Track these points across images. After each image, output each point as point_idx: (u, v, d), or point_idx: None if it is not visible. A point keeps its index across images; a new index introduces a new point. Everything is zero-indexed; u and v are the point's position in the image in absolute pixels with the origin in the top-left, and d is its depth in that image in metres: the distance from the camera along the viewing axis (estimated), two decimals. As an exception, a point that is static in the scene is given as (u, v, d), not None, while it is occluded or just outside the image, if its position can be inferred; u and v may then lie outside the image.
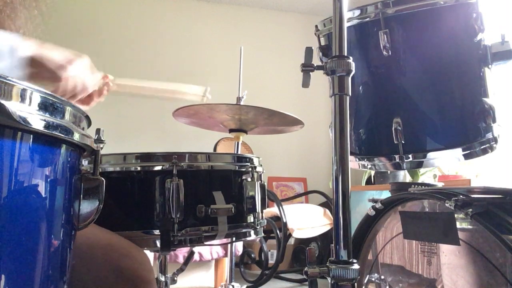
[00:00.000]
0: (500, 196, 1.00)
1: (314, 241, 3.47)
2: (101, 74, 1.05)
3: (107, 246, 0.83)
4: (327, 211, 3.31)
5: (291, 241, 3.40)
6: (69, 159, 0.54)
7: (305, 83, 0.81)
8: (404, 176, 3.01)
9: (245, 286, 2.83)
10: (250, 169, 1.05)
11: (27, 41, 0.86)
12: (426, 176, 2.93)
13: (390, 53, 1.13)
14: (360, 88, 1.24)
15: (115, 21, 3.87)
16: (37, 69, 0.87)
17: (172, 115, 1.40)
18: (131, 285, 0.81)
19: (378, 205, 1.21)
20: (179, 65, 3.85)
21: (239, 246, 2.65)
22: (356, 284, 0.72)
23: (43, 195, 0.49)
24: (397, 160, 1.17)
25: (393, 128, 1.13)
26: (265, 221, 1.13)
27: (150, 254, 1.87)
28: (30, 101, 0.45)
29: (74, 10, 3.75)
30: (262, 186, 1.09)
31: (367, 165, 1.27)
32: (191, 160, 0.96)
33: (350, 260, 0.72)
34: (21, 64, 0.83)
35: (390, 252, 1.24)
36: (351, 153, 1.24)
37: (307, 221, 3.10)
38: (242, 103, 1.69)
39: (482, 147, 1.13)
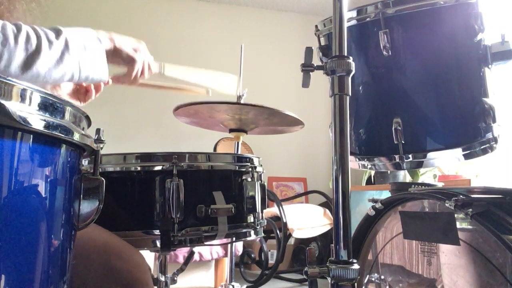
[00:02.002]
0: (500, 196, 1.00)
1: (314, 241, 3.47)
2: (152, 57, 1.12)
3: (103, 247, 0.82)
4: (327, 211, 3.31)
5: (291, 241, 3.40)
6: (69, 159, 0.54)
7: (305, 83, 0.81)
8: (404, 176, 3.01)
9: (245, 286, 2.83)
10: (250, 169, 1.05)
11: (99, 32, 0.94)
12: (426, 176, 2.93)
13: (390, 53, 1.13)
14: (360, 88, 1.24)
15: (115, 20, 3.87)
16: (114, 57, 0.98)
17: (173, 113, 1.40)
18: (126, 287, 0.80)
19: (378, 205, 1.21)
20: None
21: (239, 246, 2.66)
22: (356, 284, 0.72)
23: (43, 195, 0.49)
24: (397, 160, 1.17)
25: (393, 128, 1.13)
26: (265, 221, 1.13)
27: (150, 254, 1.87)
28: (30, 101, 0.45)
29: (74, 8, 3.75)
30: (262, 186, 1.09)
31: (367, 165, 1.27)
32: (191, 160, 0.96)
33: (350, 260, 0.72)
34: (104, 56, 0.91)
35: (390, 252, 1.24)
36: (351, 153, 1.24)
37: (307, 221, 3.10)
38: (242, 101, 1.69)
39: (482, 147, 1.13)
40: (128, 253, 0.85)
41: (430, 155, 1.15)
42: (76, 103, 1.14)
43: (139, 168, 0.95)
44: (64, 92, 1.12)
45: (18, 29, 0.77)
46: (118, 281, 0.80)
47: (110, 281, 0.79)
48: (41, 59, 0.79)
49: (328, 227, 3.16)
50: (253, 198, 1.03)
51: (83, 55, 0.86)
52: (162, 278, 1.22)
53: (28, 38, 0.77)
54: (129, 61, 1.01)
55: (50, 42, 0.81)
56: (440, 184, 1.69)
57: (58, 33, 0.83)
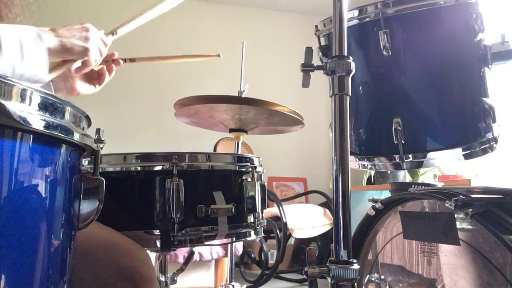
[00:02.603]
0: (500, 196, 1.00)
1: (314, 241, 3.47)
2: (103, 31, 1.07)
3: (108, 244, 0.83)
4: (327, 211, 3.31)
5: (291, 241, 3.40)
6: (69, 159, 0.54)
7: (305, 83, 0.81)
8: (404, 176, 3.01)
9: (245, 286, 2.83)
10: (250, 169, 1.05)
11: (42, 29, 0.88)
12: (426, 176, 2.93)
13: (390, 53, 1.13)
14: (360, 88, 1.24)
15: (114, 20, 3.87)
16: (63, 54, 0.92)
17: (173, 115, 1.40)
18: (131, 283, 0.81)
19: (378, 205, 1.21)
20: (179, 65, 3.85)
21: (239, 246, 2.65)
22: (356, 284, 0.72)
23: (43, 195, 0.49)
24: (397, 160, 1.17)
25: (393, 128, 1.13)
26: (265, 221, 1.13)
27: (150, 254, 1.87)
28: (30, 101, 0.45)
29: (72, 4, 3.75)
30: (262, 186, 1.09)
31: (367, 165, 1.27)
32: (191, 160, 0.96)
33: (350, 260, 0.72)
34: (46, 56, 0.86)
35: (390, 252, 1.24)
36: (351, 153, 1.24)
37: (307, 221, 3.10)
38: (242, 98, 1.69)
39: (482, 147, 1.13)
40: (134, 249, 0.85)
41: (430, 155, 1.15)
42: (91, 88, 1.13)
43: (139, 168, 0.95)
44: (76, 78, 1.11)
45: None
46: (124, 278, 0.80)
47: (116, 277, 0.80)
48: None
49: (328, 227, 3.16)
50: (253, 198, 1.03)
51: (19, 53, 0.80)
52: (162, 278, 1.22)
53: None
54: (83, 53, 0.95)
55: None
56: (440, 184, 1.69)
57: None
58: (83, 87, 1.11)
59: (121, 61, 1.17)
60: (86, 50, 0.95)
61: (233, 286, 1.69)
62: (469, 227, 0.99)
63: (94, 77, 1.13)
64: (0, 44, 0.77)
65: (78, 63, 0.98)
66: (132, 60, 1.22)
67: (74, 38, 0.93)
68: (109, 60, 1.14)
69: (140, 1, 4.24)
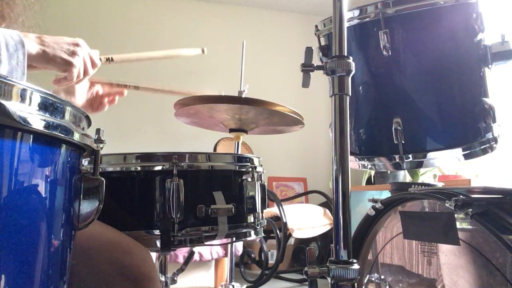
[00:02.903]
0: (500, 196, 1.00)
1: (314, 241, 3.47)
2: (97, 51, 1.05)
3: (110, 243, 0.83)
4: (327, 211, 3.31)
5: (291, 241, 3.40)
6: (69, 159, 0.54)
7: (305, 83, 0.81)
8: (404, 176, 3.01)
9: (245, 286, 2.83)
10: (250, 169, 1.05)
11: (28, 35, 0.86)
12: (426, 176, 2.93)
13: (390, 53, 1.13)
14: (360, 88, 1.24)
15: (115, 20, 3.87)
16: (46, 63, 0.90)
17: (173, 115, 1.40)
18: (133, 282, 0.81)
19: (378, 205, 1.21)
20: (179, 65, 3.85)
21: (239, 246, 2.65)
22: (356, 284, 0.72)
23: (43, 195, 0.49)
24: (397, 160, 1.17)
25: (393, 128, 1.13)
26: (265, 221, 1.13)
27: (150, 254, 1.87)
28: (30, 101, 0.45)
29: (73, 5, 3.75)
30: (262, 186, 1.09)
31: (367, 165, 1.27)
32: (191, 160, 0.96)
33: (350, 260, 0.72)
34: (25, 62, 0.83)
35: (390, 252, 1.24)
36: (351, 153, 1.24)
37: (307, 221, 3.10)
38: (243, 97, 1.69)
39: (482, 147, 1.13)
40: (135, 249, 0.86)
41: (430, 155, 1.15)
42: (88, 110, 1.15)
43: (139, 168, 0.95)
44: (79, 101, 1.13)
45: None
46: (126, 276, 0.81)
47: (118, 276, 0.80)
48: None
49: (328, 227, 3.16)
50: (253, 198, 1.03)
51: None
52: (162, 278, 1.22)
53: None
54: (65, 66, 0.93)
55: None
56: (440, 184, 1.69)
57: None
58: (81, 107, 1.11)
59: (125, 92, 1.18)
60: (69, 64, 0.92)
61: (233, 286, 1.69)
62: (469, 227, 0.99)
63: (96, 102, 1.14)
64: None
65: (60, 75, 0.96)
66: (137, 88, 1.23)
67: (60, 49, 0.91)
68: (112, 90, 1.16)
69: (141, 2, 4.20)
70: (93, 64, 1.00)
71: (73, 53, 0.93)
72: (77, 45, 0.94)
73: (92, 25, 3.69)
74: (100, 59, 1.06)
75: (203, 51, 1.30)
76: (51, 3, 3.52)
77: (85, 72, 0.98)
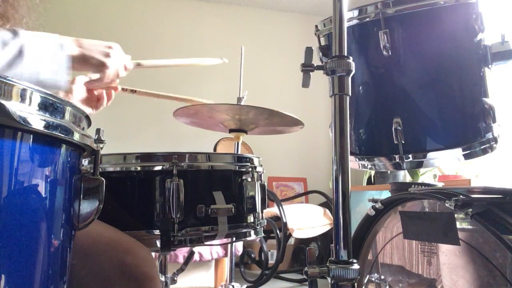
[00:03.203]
0: (500, 196, 1.00)
1: (314, 241, 3.47)
2: (129, 56, 1.11)
3: (111, 242, 0.83)
4: (327, 211, 3.31)
5: (291, 241, 3.40)
6: (69, 159, 0.54)
7: (305, 83, 0.81)
8: (404, 176, 3.01)
9: (245, 286, 2.83)
10: (250, 169, 1.05)
11: (66, 38, 0.92)
12: (426, 176, 2.93)
13: (390, 53, 1.13)
14: (360, 88, 1.24)
15: (115, 20, 3.87)
16: (83, 64, 0.96)
17: (173, 115, 1.40)
18: (134, 281, 0.81)
19: (378, 205, 1.21)
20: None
21: (239, 246, 2.65)
22: (356, 284, 0.72)
23: (43, 195, 0.49)
24: (397, 160, 1.17)
25: (393, 128, 1.13)
26: (265, 221, 1.13)
27: (150, 254, 1.87)
28: (30, 101, 0.45)
29: (76, 6, 3.75)
30: (262, 186, 1.09)
31: (367, 165, 1.27)
32: (191, 160, 0.96)
33: (350, 260, 0.72)
34: (68, 63, 0.88)
35: (390, 252, 1.24)
36: (351, 153, 1.24)
37: (307, 221, 3.10)
38: (242, 103, 1.69)
39: (482, 147, 1.13)
40: (136, 248, 0.86)
41: (430, 155, 1.15)
42: (88, 110, 1.15)
43: (139, 168, 0.95)
44: (76, 99, 1.13)
45: None
46: (127, 276, 0.81)
47: (119, 275, 0.80)
48: None
49: (328, 227, 3.16)
50: (253, 198, 1.03)
51: (39, 60, 0.83)
52: (162, 278, 1.22)
53: None
54: (100, 67, 0.99)
55: (4, 44, 0.78)
56: (440, 184, 1.69)
57: (15, 34, 0.81)
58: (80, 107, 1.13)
59: (119, 87, 1.20)
60: (103, 65, 0.99)
61: (233, 286, 1.69)
62: (469, 227, 0.99)
63: (93, 100, 1.15)
64: (23, 51, 0.80)
65: (95, 76, 1.03)
66: (133, 91, 1.27)
67: (96, 51, 0.97)
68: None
69: (141, 2, 4.21)
70: (125, 67, 1.07)
71: (107, 55, 0.99)
72: (111, 48, 1.00)
73: (93, 25, 3.69)
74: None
75: (223, 60, 1.43)
76: (55, 5, 3.52)
77: (117, 74, 1.04)
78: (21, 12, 1.01)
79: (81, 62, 0.95)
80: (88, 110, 1.15)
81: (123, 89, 1.22)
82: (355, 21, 1.18)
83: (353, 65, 0.77)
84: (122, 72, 1.06)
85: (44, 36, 0.87)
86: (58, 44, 0.88)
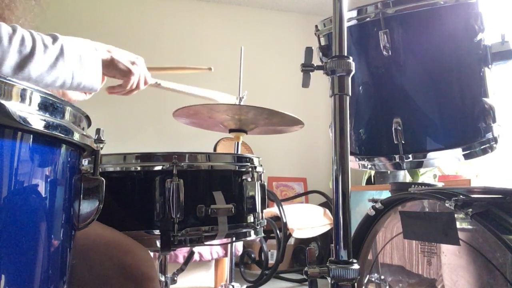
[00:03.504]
0: (500, 196, 1.00)
1: (314, 241, 3.47)
2: (150, 73, 1.16)
3: (110, 243, 0.83)
4: (327, 211, 3.31)
5: (291, 241, 3.40)
6: (69, 159, 0.54)
7: (305, 83, 0.81)
8: (404, 176, 3.01)
9: (245, 286, 2.83)
10: (250, 169, 1.05)
11: (97, 44, 0.97)
12: (426, 176, 2.93)
13: (390, 53, 1.13)
14: (360, 88, 1.24)
15: (114, 20, 3.87)
16: (111, 69, 1.00)
17: (172, 115, 1.40)
18: (133, 282, 0.81)
19: (378, 205, 1.21)
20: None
21: (239, 246, 2.65)
22: (356, 284, 0.72)
23: (43, 195, 0.49)
24: (397, 160, 1.17)
25: (393, 128, 1.13)
26: (265, 221, 1.13)
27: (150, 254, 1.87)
28: (30, 101, 0.45)
29: (74, 7, 3.75)
30: (262, 186, 1.09)
31: (367, 165, 1.27)
32: (191, 160, 0.96)
33: (350, 260, 0.72)
34: (100, 67, 0.94)
35: (390, 252, 1.24)
36: (351, 153, 1.24)
37: (307, 221, 3.10)
38: (242, 103, 1.69)
39: (482, 147, 1.13)
40: (135, 248, 0.86)
41: (430, 155, 1.15)
42: (82, 95, 1.17)
43: (139, 168, 0.95)
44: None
45: (14, 30, 0.78)
46: (127, 276, 0.81)
47: (118, 276, 0.80)
48: (34, 62, 0.79)
49: (328, 227, 3.16)
50: (253, 198, 1.03)
51: (78, 62, 0.87)
52: (162, 278, 1.22)
53: (23, 41, 0.78)
54: (126, 73, 1.03)
55: (45, 47, 0.82)
56: (440, 184, 1.69)
57: (54, 39, 0.85)
58: (74, 94, 1.16)
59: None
60: (129, 72, 1.03)
61: (233, 286, 1.69)
62: (469, 227, 0.99)
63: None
64: (64, 53, 0.84)
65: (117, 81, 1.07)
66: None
67: (124, 58, 1.02)
68: None
69: (140, 2, 4.21)
70: (145, 82, 1.12)
71: (133, 63, 1.04)
72: (137, 58, 1.06)
73: (91, 25, 3.69)
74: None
75: (239, 100, 1.53)
76: (51, 6, 3.51)
77: (137, 86, 1.09)
78: (17, 13, 1.01)
79: (110, 66, 1.00)
80: (82, 96, 1.17)
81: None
82: (355, 21, 1.18)
83: (353, 65, 0.77)
84: (142, 84, 1.11)
85: (79, 40, 0.92)
86: (93, 47, 0.93)
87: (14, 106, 0.43)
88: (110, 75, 1.03)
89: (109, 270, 0.80)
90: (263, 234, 1.19)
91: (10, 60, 0.76)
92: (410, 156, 1.15)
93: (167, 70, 1.41)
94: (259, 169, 1.10)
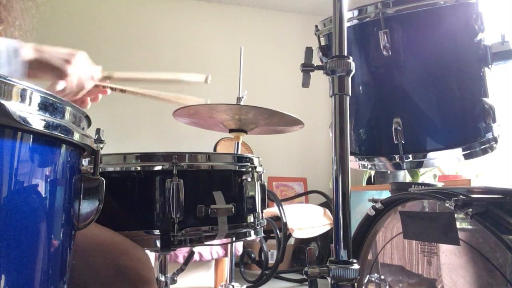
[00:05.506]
0: (500, 196, 1.00)
1: (314, 241, 3.47)
2: (100, 67, 1.06)
3: (107, 244, 0.82)
4: (327, 211, 3.31)
5: (291, 241, 3.40)
6: (69, 159, 0.54)
7: (305, 83, 0.81)
8: (404, 176, 3.01)
9: (245, 286, 2.83)
10: (250, 169, 1.05)
11: (25, 44, 0.88)
12: (426, 176, 2.93)
13: (390, 53, 1.13)
14: (360, 88, 1.24)
15: (114, 21, 3.87)
16: (41, 69, 0.91)
17: (172, 115, 1.40)
18: (131, 284, 0.80)
19: (378, 205, 1.21)
20: (179, 65, 3.85)
21: (239, 246, 2.65)
22: (356, 284, 0.72)
23: (43, 195, 0.49)
24: (397, 160, 1.17)
25: (393, 128, 1.13)
26: (265, 221, 1.13)
27: (150, 254, 1.87)
28: (30, 101, 0.45)
29: (71, 7, 3.75)
30: (262, 186, 1.09)
31: (367, 165, 1.27)
32: (191, 160, 0.96)
33: (350, 260, 0.72)
34: (23, 68, 0.85)
35: (390, 252, 1.24)
36: (351, 153, 1.24)
37: (307, 221, 3.10)
38: (242, 103, 1.69)
39: (482, 147, 1.13)
40: (133, 250, 0.85)
41: (430, 155, 1.15)
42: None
43: (139, 168, 0.95)
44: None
45: None
46: (125, 278, 0.80)
47: (117, 278, 0.80)
48: None
49: (328, 227, 3.16)
50: (253, 198, 1.03)
51: None
52: (162, 278, 1.22)
53: None
54: (59, 73, 0.94)
55: None
56: (440, 184, 1.69)
57: None
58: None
59: (109, 91, 1.13)
60: (62, 72, 0.93)
61: (233, 286, 1.69)
62: (469, 227, 0.99)
63: (78, 100, 1.11)
64: None
65: (60, 86, 0.96)
66: (123, 91, 1.18)
67: (55, 57, 0.92)
68: (98, 86, 1.11)
69: (140, 2, 4.20)
70: (92, 78, 1.01)
71: (67, 62, 0.94)
72: (73, 55, 0.95)
73: (90, 26, 3.68)
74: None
75: (206, 80, 1.27)
76: (48, 7, 3.50)
77: (80, 84, 0.98)
78: (14, 14, 1.00)
79: (39, 67, 0.91)
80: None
81: (111, 88, 1.15)
82: (355, 21, 1.18)
83: (353, 65, 0.77)
84: (88, 82, 1.01)
85: (2, 40, 0.84)
86: (12, 49, 0.84)
87: (14, 106, 0.43)
88: (43, 76, 0.94)
89: (105, 272, 0.79)
90: (263, 234, 1.19)
91: None
92: (410, 156, 1.15)
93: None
94: (259, 169, 1.10)
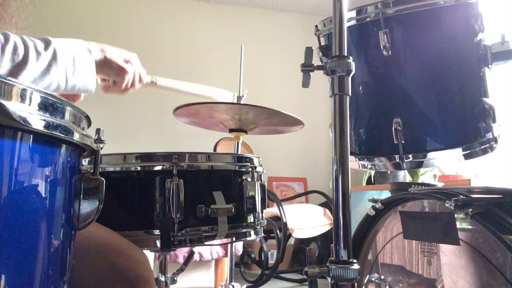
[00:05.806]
0: (500, 196, 1.00)
1: (314, 241, 3.47)
2: (144, 70, 1.14)
3: (105, 245, 0.82)
4: (327, 211, 3.31)
5: (291, 241, 3.40)
6: (69, 159, 0.54)
7: (305, 83, 0.81)
8: (404, 176, 3.01)
9: (245, 286, 2.83)
10: (250, 169, 1.05)
11: (90, 44, 0.96)
12: (426, 176, 2.93)
13: (390, 53, 1.13)
14: (360, 88, 1.24)
15: (113, 21, 3.87)
16: (104, 69, 0.99)
17: (172, 114, 1.40)
18: (128, 284, 0.80)
19: (378, 205, 1.21)
20: (179, 65, 3.86)
21: (239, 246, 2.65)
22: (356, 284, 0.72)
23: (43, 195, 0.49)
24: (397, 160, 1.17)
25: (393, 128, 1.13)
26: (265, 221, 1.13)
27: (150, 254, 1.87)
28: (30, 101, 0.45)
29: (69, 7, 3.75)
30: (262, 186, 1.09)
31: (367, 165, 1.27)
32: (191, 160, 0.96)
33: (350, 260, 0.72)
34: (94, 68, 0.93)
35: (390, 252, 1.24)
36: (351, 153, 1.24)
37: (307, 221, 3.10)
38: (242, 102, 1.69)
39: (482, 147, 1.13)
40: (131, 251, 0.85)
41: (430, 155, 1.15)
42: (76, 96, 1.15)
43: (139, 168, 0.95)
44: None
45: (6, 39, 0.77)
46: (122, 279, 0.80)
47: (114, 279, 0.79)
48: (27, 70, 0.79)
49: (328, 227, 3.16)
50: (253, 198, 1.03)
51: (71, 66, 0.87)
52: (162, 278, 1.22)
53: (15, 49, 0.78)
54: (120, 72, 1.02)
55: (38, 53, 0.82)
56: (440, 184, 1.69)
57: (47, 44, 0.85)
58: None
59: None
60: (123, 71, 1.02)
61: (233, 286, 1.69)
62: (469, 227, 0.99)
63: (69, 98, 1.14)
64: (56, 58, 0.84)
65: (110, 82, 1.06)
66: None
67: (117, 56, 1.01)
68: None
69: (140, 2, 4.20)
70: (140, 79, 1.10)
71: (127, 61, 1.03)
72: (132, 56, 1.05)
73: (89, 26, 3.68)
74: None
75: (237, 99, 1.44)
76: (45, 5, 3.50)
77: (133, 84, 1.08)
78: (10, 12, 1.01)
79: (104, 66, 0.98)
80: (77, 96, 1.16)
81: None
82: (355, 21, 1.18)
83: (353, 65, 0.77)
84: (137, 82, 1.09)
85: (72, 41, 0.91)
86: (87, 49, 0.92)
87: (14, 106, 0.43)
88: (105, 75, 1.02)
89: (103, 272, 0.79)
90: (263, 234, 1.19)
91: (3, 69, 0.76)
92: (410, 156, 1.15)
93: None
94: (259, 169, 1.10)
